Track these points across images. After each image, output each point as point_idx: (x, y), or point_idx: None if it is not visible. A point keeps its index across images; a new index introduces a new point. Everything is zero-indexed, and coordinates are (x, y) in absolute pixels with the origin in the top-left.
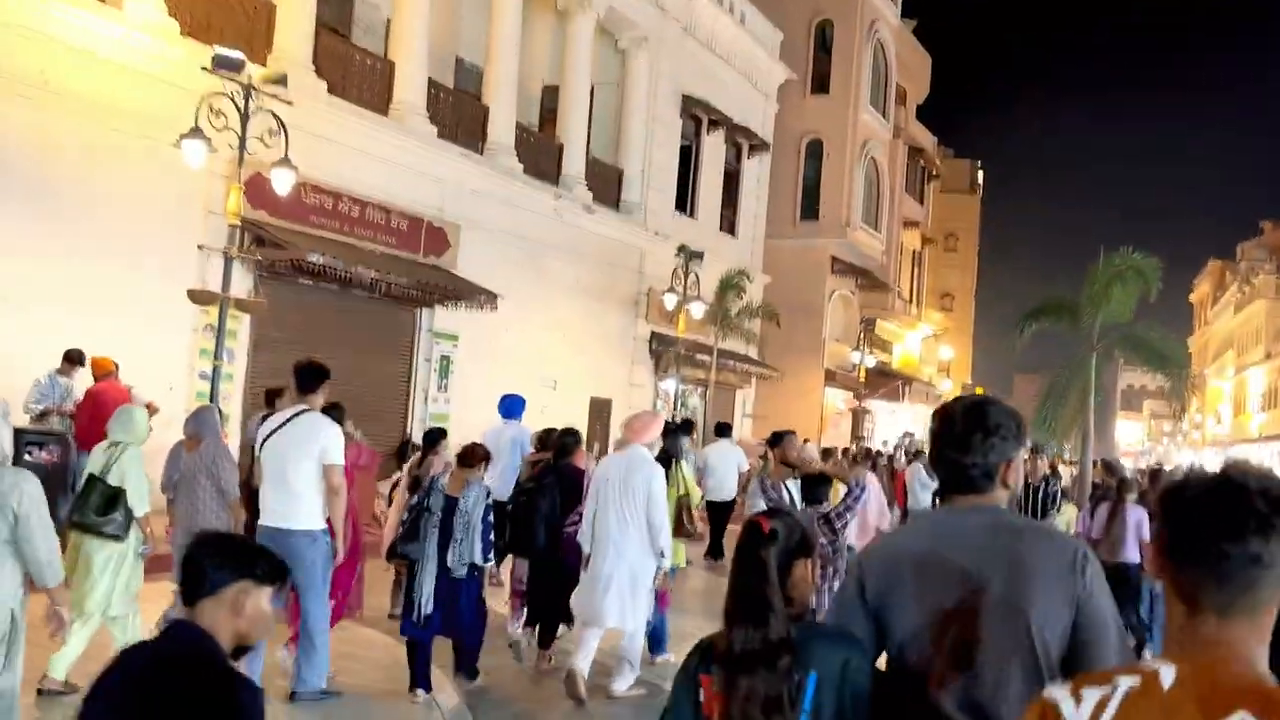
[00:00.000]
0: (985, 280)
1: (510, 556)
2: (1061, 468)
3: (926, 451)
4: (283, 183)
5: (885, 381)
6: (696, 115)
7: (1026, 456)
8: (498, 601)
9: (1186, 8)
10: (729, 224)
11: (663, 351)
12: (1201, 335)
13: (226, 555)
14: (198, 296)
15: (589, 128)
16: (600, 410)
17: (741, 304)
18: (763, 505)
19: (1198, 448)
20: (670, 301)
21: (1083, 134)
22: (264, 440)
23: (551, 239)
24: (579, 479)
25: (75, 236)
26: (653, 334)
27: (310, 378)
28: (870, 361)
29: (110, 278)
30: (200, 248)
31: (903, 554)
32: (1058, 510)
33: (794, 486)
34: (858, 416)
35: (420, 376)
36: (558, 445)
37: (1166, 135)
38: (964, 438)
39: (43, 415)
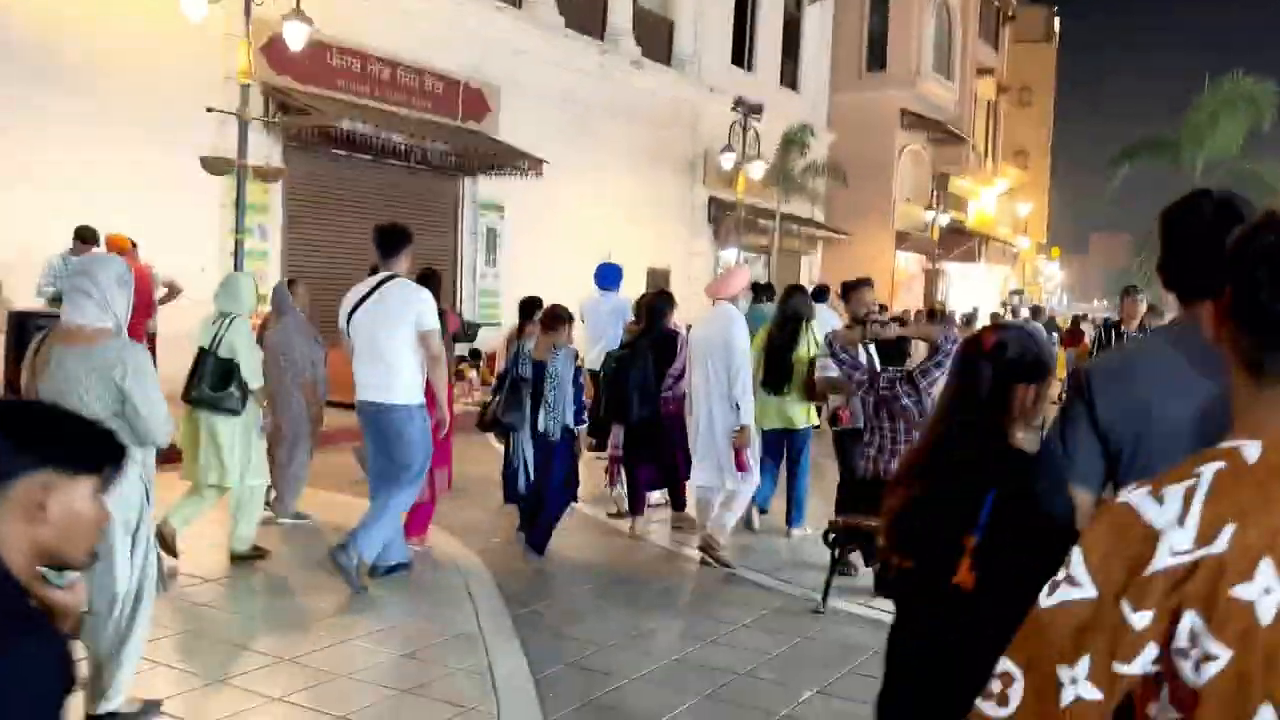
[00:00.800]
0: (1062, 136)
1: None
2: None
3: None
4: (295, 37)
5: (960, 241)
6: None
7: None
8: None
9: None
10: (790, 78)
11: (722, 217)
12: None
13: (16, 433)
14: (211, 164)
15: None
16: (659, 281)
17: (805, 162)
18: (834, 372)
19: None
20: (728, 161)
21: None
22: (350, 312)
23: (598, 99)
24: (673, 343)
25: (84, 106)
26: (711, 199)
27: (393, 241)
28: (944, 220)
29: (125, 149)
30: (210, 110)
31: (1146, 367)
32: None
33: (871, 349)
34: (931, 279)
35: (466, 251)
36: (649, 309)
37: None
38: (1216, 233)
39: (55, 298)
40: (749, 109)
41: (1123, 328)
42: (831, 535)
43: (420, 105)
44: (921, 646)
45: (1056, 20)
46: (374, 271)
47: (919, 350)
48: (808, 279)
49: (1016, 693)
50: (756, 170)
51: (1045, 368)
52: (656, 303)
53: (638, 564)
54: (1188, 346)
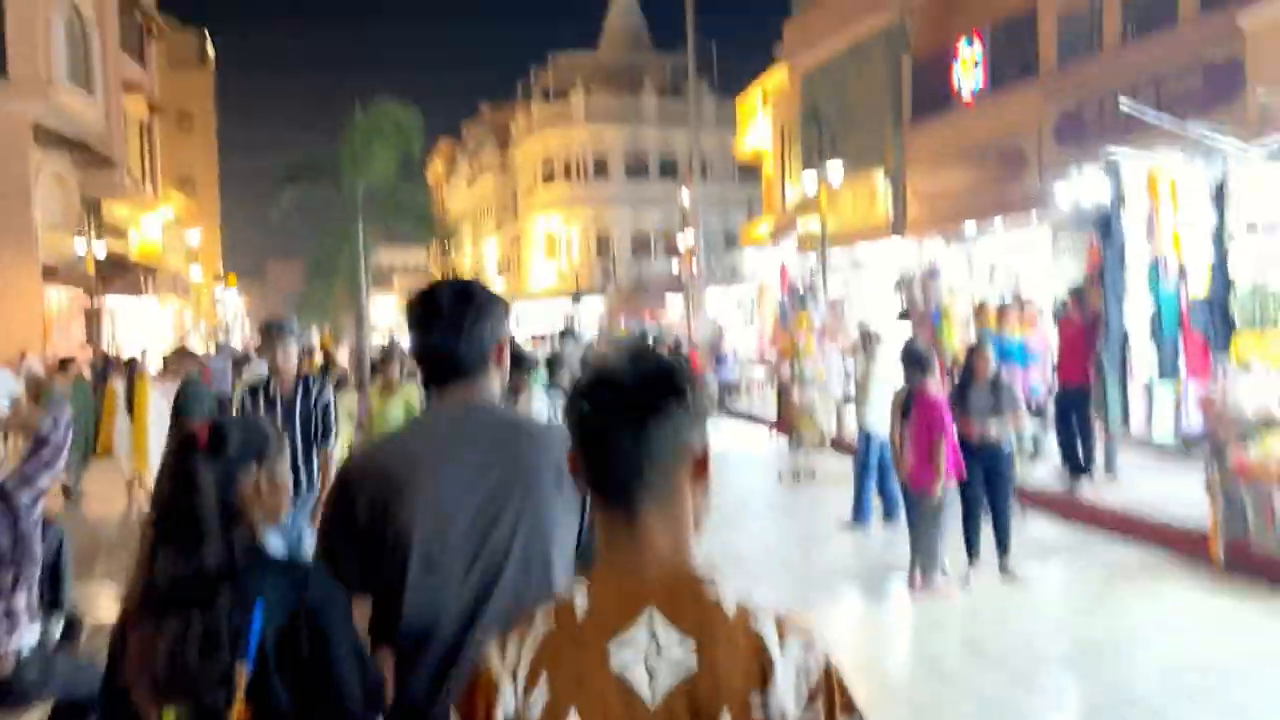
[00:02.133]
0: (229, 161)
1: None
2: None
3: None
4: None
5: (123, 273)
6: None
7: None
8: None
9: None
10: None
11: None
12: (439, 211)
13: None
14: None
15: None
16: None
17: None
18: None
19: None
20: None
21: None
22: None
23: None
24: None
25: None
26: None
27: None
28: (101, 251)
29: None
30: None
31: (399, 461)
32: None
33: None
34: (93, 317)
35: None
36: None
37: (399, 14)
38: (455, 318)
39: None
40: None
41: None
42: None
43: None
44: None
45: (210, 44)
46: None
47: None
48: None
49: None
50: None
51: (266, 450)
52: None
53: None
54: (455, 430)
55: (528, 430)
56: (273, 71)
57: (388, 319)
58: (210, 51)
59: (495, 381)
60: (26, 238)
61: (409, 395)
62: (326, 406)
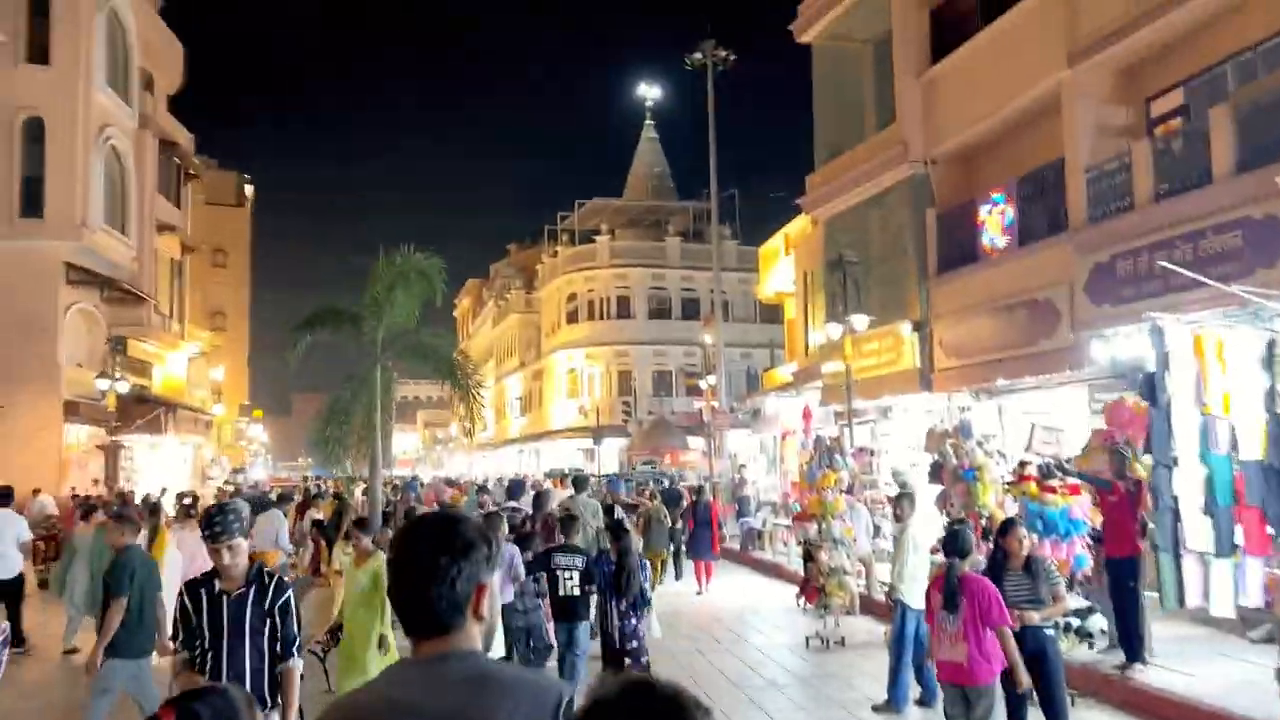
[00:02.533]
0: (261, 297)
1: None
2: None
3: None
4: None
5: (144, 411)
6: None
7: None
8: None
9: (444, 44)
10: None
11: None
12: (465, 348)
13: None
14: None
15: None
16: None
17: None
18: None
19: (469, 451)
20: None
21: (353, 157)
22: None
23: None
24: None
25: None
26: None
27: None
28: (124, 388)
29: None
30: None
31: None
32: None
33: None
34: (111, 454)
35: None
36: None
37: (432, 160)
38: (431, 566)
39: None
40: None
41: None
42: None
43: None
44: None
45: (249, 186)
46: None
47: None
48: None
49: None
50: None
51: None
52: None
53: None
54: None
55: (503, 685)
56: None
57: (408, 448)
58: (248, 192)
59: (476, 632)
60: (50, 374)
61: (378, 566)
62: (286, 611)
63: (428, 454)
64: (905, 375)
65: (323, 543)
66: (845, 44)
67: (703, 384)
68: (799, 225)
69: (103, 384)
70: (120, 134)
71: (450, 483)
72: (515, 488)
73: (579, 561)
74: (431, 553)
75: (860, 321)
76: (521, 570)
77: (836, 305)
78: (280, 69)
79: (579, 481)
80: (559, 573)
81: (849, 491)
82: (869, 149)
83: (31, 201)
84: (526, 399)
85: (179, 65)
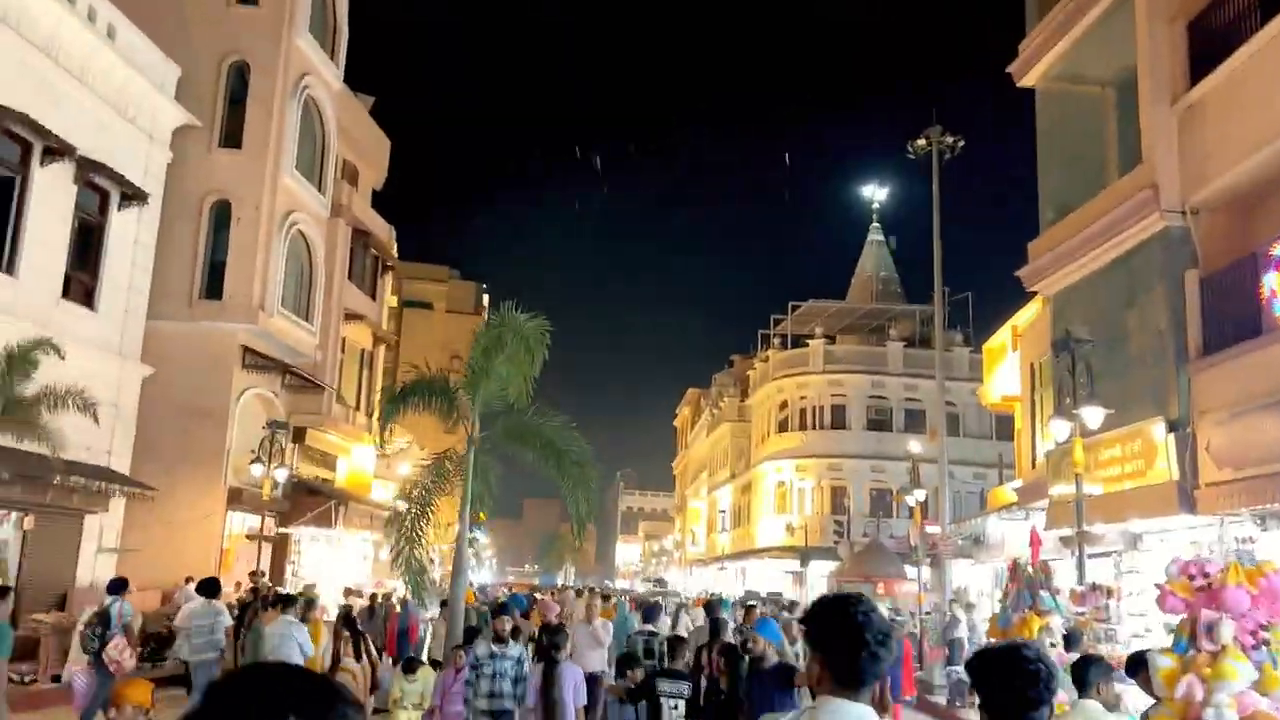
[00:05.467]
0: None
1: None
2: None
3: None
4: None
5: (316, 502)
6: (19, 135)
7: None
8: None
9: (672, 169)
10: (84, 293)
11: None
12: (682, 459)
13: None
14: None
15: None
16: None
17: (36, 388)
18: None
19: (682, 566)
20: None
21: (586, 269)
22: None
23: None
24: None
25: None
26: None
27: None
28: (281, 475)
29: None
30: None
31: None
32: None
33: None
34: (280, 546)
35: None
36: None
37: (663, 268)
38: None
39: None
40: None
41: None
42: None
43: None
44: None
45: (485, 295)
46: None
47: None
48: (98, 546)
49: None
50: None
51: None
52: None
53: None
54: None
55: None
56: (535, 308)
57: (632, 559)
58: (485, 301)
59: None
60: (216, 460)
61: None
62: None
63: (644, 567)
64: (1159, 491)
65: None
66: (1075, 86)
67: (910, 500)
68: (1029, 314)
69: (257, 470)
70: (309, 220)
71: (580, 593)
72: (651, 611)
73: (685, 689)
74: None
75: (1094, 416)
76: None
77: (1064, 399)
78: (502, 170)
79: (649, 611)
80: (663, 700)
81: (1067, 646)
82: (1107, 199)
83: (213, 284)
84: (735, 513)
85: (384, 160)
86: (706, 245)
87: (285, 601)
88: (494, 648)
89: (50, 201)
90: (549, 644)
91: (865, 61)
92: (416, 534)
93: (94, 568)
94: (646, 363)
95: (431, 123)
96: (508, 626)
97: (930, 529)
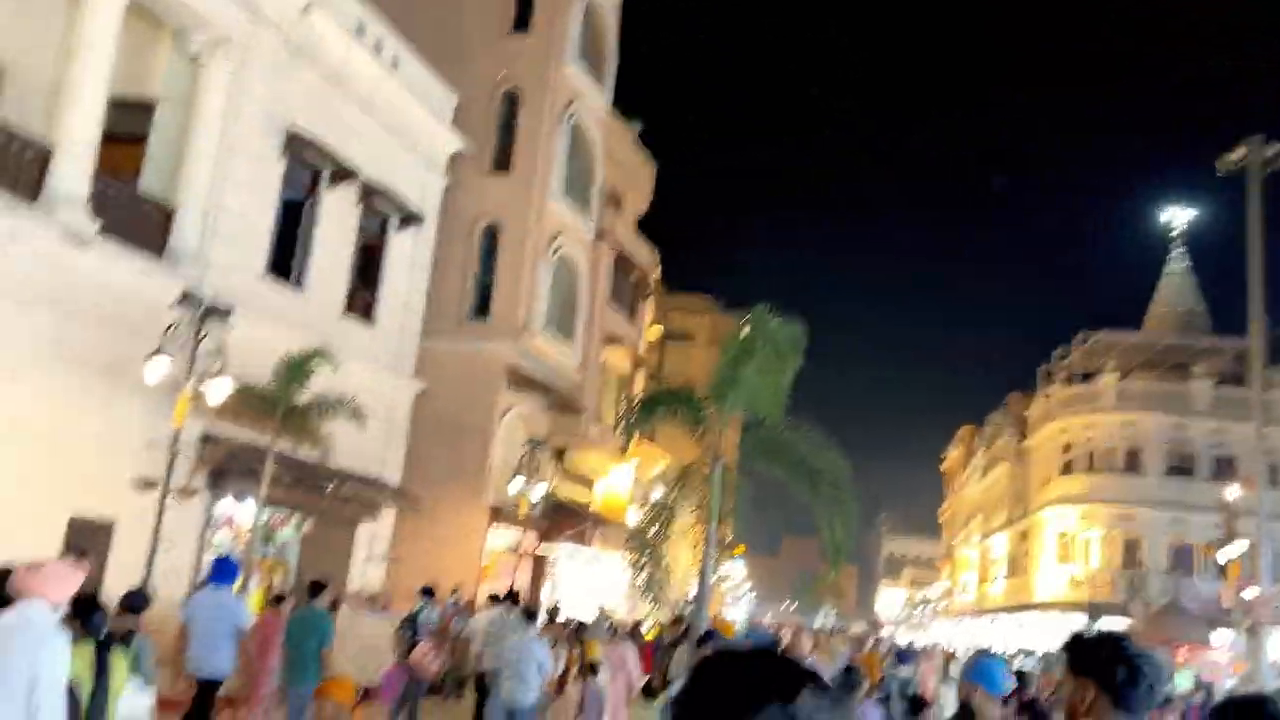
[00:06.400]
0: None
1: None
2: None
3: None
4: None
5: (573, 521)
6: (310, 161)
7: None
8: None
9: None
10: (364, 309)
11: (226, 457)
12: (952, 504)
13: None
14: None
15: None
16: (88, 537)
17: (310, 395)
18: None
19: (949, 617)
20: (156, 369)
21: (851, 301)
22: None
23: (5, 276)
24: None
25: None
26: (207, 436)
27: None
28: (539, 493)
29: None
30: None
31: None
32: None
33: None
34: (538, 564)
35: None
36: None
37: (932, 297)
38: None
39: None
40: (209, 309)
41: None
42: None
43: None
44: None
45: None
46: None
47: None
48: (366, 554)
49: None
50: (220, 391)
51: None
52: None
53: None
54: None
55: None
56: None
57: (895, 606)
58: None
59: None
60: (479, 477)
61: None
62: None
63: (908, 615)
64: None
65: None
66: None
67: (1221, 557)
68: None
69: (514, 487)
70: (573, 243)
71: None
72: (904, 656)
73: None
74: None
75: None
76: None
77: None
78: (770, 201)
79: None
80: None
81: None
82: None
83: (481, 306)
84: (1012, 562)
85: (648, 184)
86: (976, 276)
87: (529, 615)
88: None
89: (335, 222)
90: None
91: (1159, 65)
92: (659, 552)
93: (364, 574)
94: (910, 401)
95: (698, 149)
96: None
97: (1248, 592)
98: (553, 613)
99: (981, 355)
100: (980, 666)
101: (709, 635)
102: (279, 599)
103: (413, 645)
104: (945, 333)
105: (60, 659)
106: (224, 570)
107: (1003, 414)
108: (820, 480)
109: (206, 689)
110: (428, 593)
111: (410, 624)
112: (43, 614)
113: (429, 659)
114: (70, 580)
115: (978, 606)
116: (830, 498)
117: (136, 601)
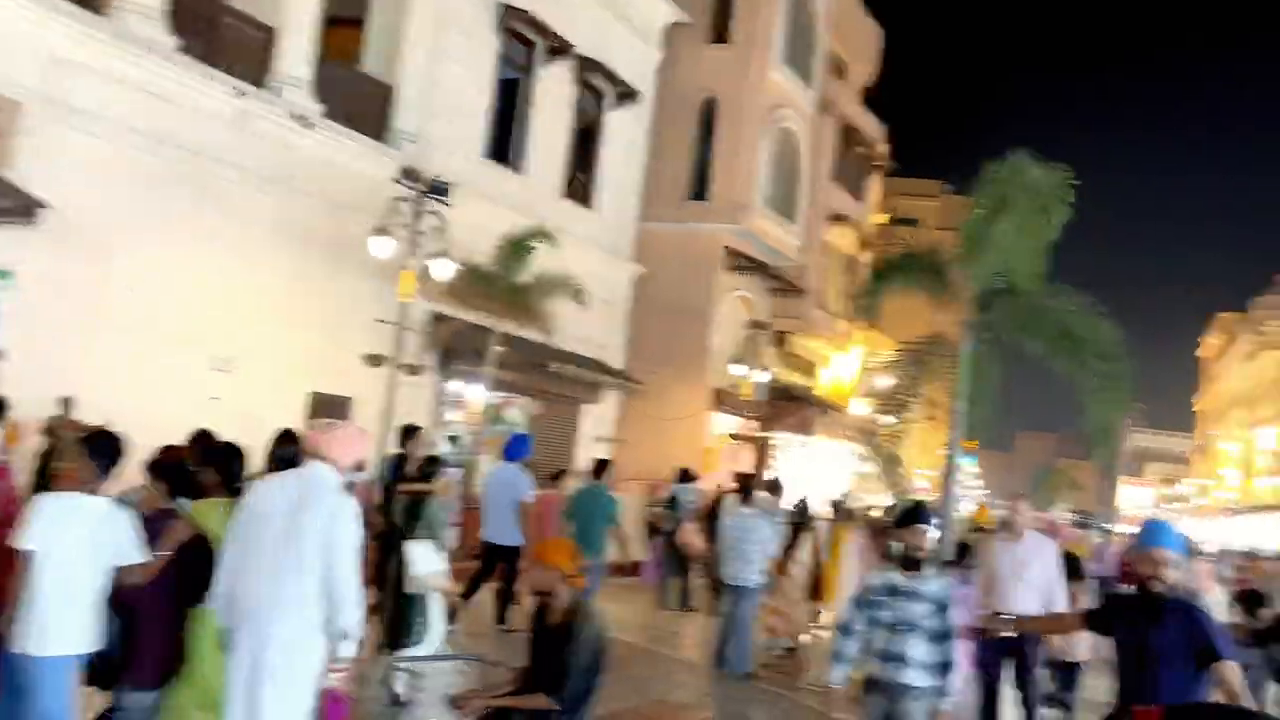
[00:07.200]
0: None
1: None
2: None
3: None
4: None
5: (796, 407)
6: (524, 35)
7: None
8: None
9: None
10: (581, 191)
11: (454, 336)
12: (1208, 394)
13: None
14: None
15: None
16: (330, 411)
17: (530, 275)
18: None
19: (1206, 515)
20: (382, 246)
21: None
22: None
23: (240, 157)
24: None
25: None
26: (436, 315)
27: None
28: (762, 378)
29: None
30: None
31: None
32: None
33: None
34: (761, 449)
35: None
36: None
37: (1167, 180)
38: None
39: None
40: (434, 185)
41: None
42: None
43: None
44: None
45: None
46: None
47: None
48: (591, 435)
49: None
50: (442, 270)
51: None
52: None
53: None
54: None
55: None
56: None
57: (1142, 504)
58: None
59: None
60: (700, 361)
61: None
62: None
63: (1157, 513)
64: None
65: None
66: None
67: None
68: None
69: (737, 371)
70: (794, 116)
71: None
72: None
73: None
74: None
75: None
76: None
77: None
78: (1009, 72)
79: None
80: None
81: None
82: None
83: (698, 185)
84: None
85: (874, 53)
86: (1238, 162)
87: (745, 493)
88: (900, 577)
89: (551, 101)
90: None
91: None
92: (895, 436)
93: (589, 455)
94: (1160, 287)
95: (930, 12)
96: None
97: None
98: (773, 485)
99: (1242, 240)
100: (1154, 529)
101: (918, 512)
102: (557, 475)
103: (676, 525)
104: (1196, 221)
105: (353, 523)
106: (516, 446)
107: (1273, 295)
108: (1088, 353)
109: (494, 553)
110: (685, 476)
111: (672, 504)
112: (332, 477)
113: (694, 537)
114: (360, 445)
115: (1241, 503)
116: (1101, 372)
117: (430, 467)
